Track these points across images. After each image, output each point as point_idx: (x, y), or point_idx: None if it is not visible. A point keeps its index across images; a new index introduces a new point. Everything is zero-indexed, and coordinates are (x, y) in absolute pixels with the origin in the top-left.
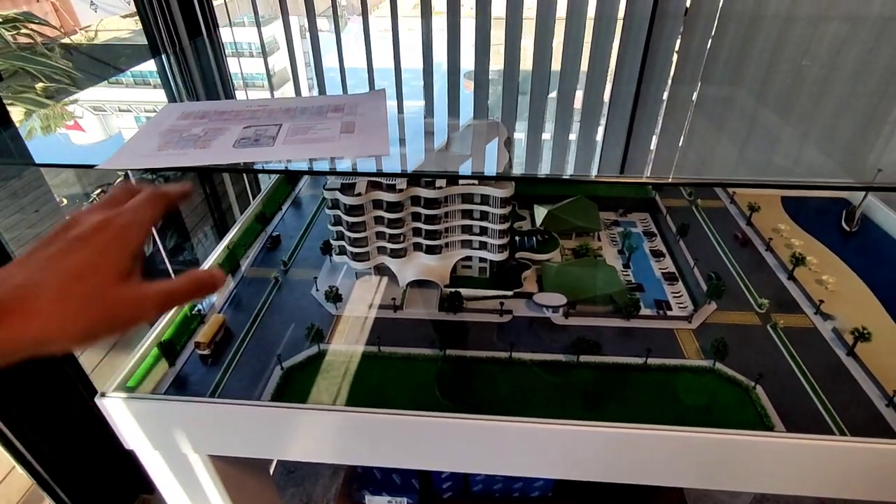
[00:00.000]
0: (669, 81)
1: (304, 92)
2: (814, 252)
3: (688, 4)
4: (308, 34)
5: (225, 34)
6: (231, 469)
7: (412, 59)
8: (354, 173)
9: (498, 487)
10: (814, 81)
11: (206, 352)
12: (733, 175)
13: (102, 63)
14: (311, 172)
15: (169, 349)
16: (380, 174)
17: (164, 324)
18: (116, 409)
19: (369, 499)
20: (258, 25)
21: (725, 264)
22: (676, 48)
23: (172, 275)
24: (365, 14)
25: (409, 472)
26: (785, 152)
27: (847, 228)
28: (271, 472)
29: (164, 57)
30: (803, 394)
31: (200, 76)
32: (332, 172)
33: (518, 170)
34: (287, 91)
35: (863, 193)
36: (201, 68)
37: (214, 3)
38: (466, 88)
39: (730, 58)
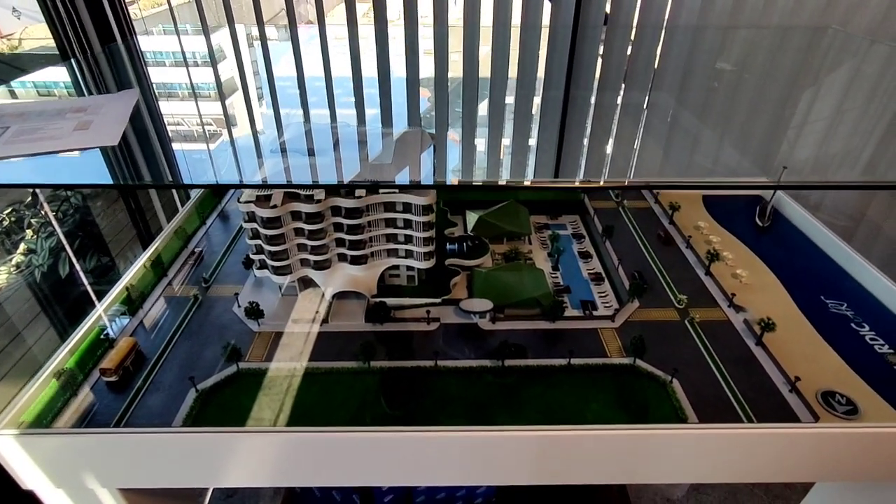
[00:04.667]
0: (595, 87)
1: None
2: (730, 247)
3: (608, 10)
4: (257, 42)
5: (169, 42)
6: (148, 501)
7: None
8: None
9: (441, 497)
10: (727, 84)
11: (114, 378)
12: (659, 176)
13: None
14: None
15: (70, 378)
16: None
17: (66, 352)
18: (8, 448)
19: None
20: (177, 32)
21: (649, 263)
22: (600, 55)
23: (92, 295)
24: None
25: (349, 488)
26: (705, 152)
27: (760, 224)
28: (208, 497)
29: (73, 63)
30: (715, 384)
31: (116, 84)
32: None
33: (454, 175)
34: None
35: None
36: (117, 75)
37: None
38: (423, 95)
39: (649, 64)
